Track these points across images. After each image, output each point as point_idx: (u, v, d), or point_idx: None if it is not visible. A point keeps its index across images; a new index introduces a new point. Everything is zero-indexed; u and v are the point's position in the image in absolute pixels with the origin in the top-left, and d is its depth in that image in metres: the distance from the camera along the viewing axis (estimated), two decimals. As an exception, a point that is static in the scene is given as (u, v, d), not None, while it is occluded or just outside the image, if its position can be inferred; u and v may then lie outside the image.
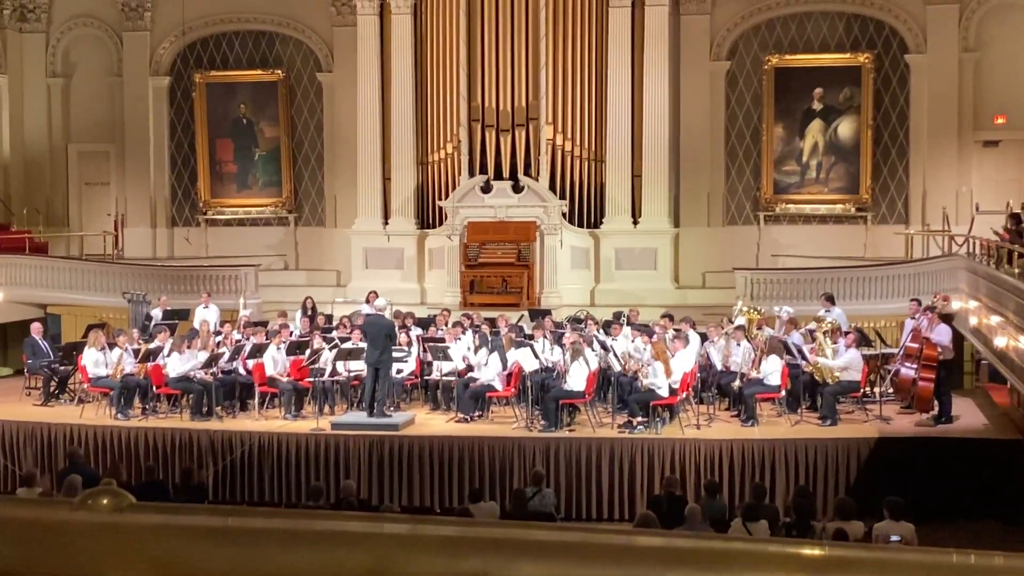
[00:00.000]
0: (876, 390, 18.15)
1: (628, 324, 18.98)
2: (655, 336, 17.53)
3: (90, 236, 27.21)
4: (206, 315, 21.06)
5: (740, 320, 19.39)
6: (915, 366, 17.05)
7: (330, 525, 2.01)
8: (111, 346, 18.39)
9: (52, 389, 19.37)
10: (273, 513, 2.02)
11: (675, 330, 18.28)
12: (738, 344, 17.72)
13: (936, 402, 16.98)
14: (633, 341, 17.87)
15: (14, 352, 23.34)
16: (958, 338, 18.29)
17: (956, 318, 18.56)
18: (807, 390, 17.66)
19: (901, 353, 17.65)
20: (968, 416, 17.56)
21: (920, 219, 24.18)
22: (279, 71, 27.00)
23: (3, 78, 27.70)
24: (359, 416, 17.31)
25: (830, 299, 19.37)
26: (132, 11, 27.40)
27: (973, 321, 18.12)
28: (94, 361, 18.08)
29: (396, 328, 17.96)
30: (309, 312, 21.00)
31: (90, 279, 23.87)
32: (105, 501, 1.90)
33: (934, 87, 24.11)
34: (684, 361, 16.84)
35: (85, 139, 28.20)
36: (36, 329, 20.32)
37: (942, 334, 17.02)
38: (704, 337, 18.39)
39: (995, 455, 15.96)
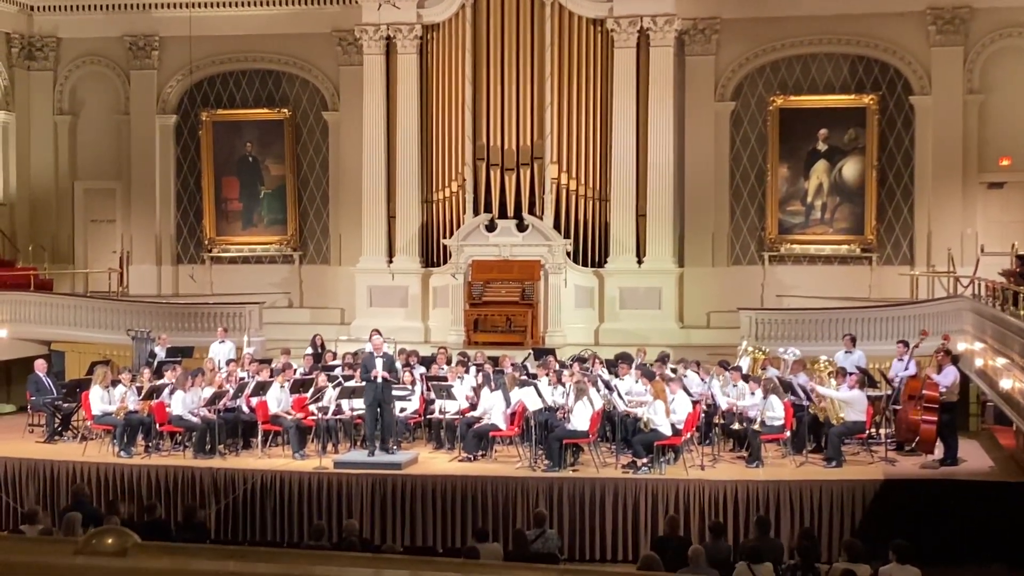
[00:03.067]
0: (881, 431, 18.09)
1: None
2: (655, 376, 17.48)
3: (95, 273, 27.27)
4: (222, 350, 21.06)
5: (744, 360, 19.39)
6: (917, 407, 17.02)
7: (331, 571, 2.00)
8: (115, 383, 18.39)
9: (56, 426, 19.34)
10: (274, 558, 2.00)
11: (671, 370, 18.29)
12: (735, 385, 17.72)
13: (942, 444, 16.92)
14: (637, 382, 17.85)
15: (18, 389, 23.31)
16: (964, 380, 18.24)
17: (962, 360, 18.52)
18: (812, 431, 17.61)
19: (898, 394, 17.69)
20: (973, 458, 17.49)
21: (925, 260, 24.17)
22: (285, 110, 27.14)
23: (11, 116, 27.84)
24: (362, 455, 17.27)
25: (852, 340, 19.39)
26: (140, 50, 27.57)
27: (979, 363, 18.10)
28: (99, 398, 18.08)
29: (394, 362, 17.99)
30: (319, 349, 21.02)
31: (94, 316, 23.89)
32: (110, 540, 1.88)
33: (939, 129, 24.17)
34: (684, 402, 16.79)
35: (91, 176, 28.30)
36: (40, 366, 20.33)
37: (948, 375, 16.99)
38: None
39: (1001, 498, 15.86)
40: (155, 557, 1.91)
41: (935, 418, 16.70)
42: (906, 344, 18.39)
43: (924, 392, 16.85)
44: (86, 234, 28.38)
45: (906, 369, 17.96)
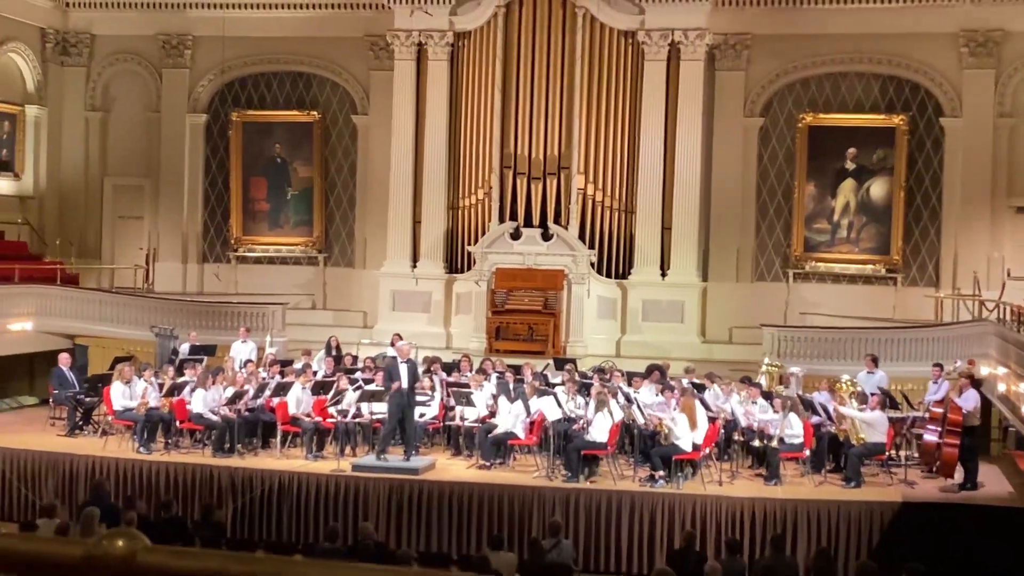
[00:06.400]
0: (902, 453, 17.98)
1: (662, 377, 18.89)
2: (675, 390, 17.43)
3: (121, 269, 27.43)
4: (243, 350, 21.12)
5: (763, 378, 19.33)
6: (939, 430, 16.92)
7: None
8: (137, 379, 18.48)
9: (77, 420, 19.43)
10: (289, 568, 2.01)
11: (693, 384, 18.24)
12: (753, 401, 17.67)
13: (962, 468, 16.81)
14: (658, 395, 17.81)
15: (41, 382, 23.44)
16: (985, 404, 18.12)
17: (984, 384, 18.41)
18: (832, 450, 17.52)
19: (926, 417, 17.55)
20: (993, 483, 17.36)
21: (951, 283, 24.04)
22: (315, 112, 27.25)
23: (43, 110, 28.06)
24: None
25: (874, 360, 19.24)
26: (173, 49, 27.75)
27: (1001, 388, 17.97)
28: (120, 393, 18.17)
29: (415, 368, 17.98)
30: (334, 352, 21.03)
31: (119, 312, 23.99)
32: (120, 543, 1.90)
33: (968, 151, 24.07)
34: (703, 417, 16.74)
35: (121, 173, 28.49)
36: (64, 360, 20.42)
37: (970, 400, 16.89)
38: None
39: (1019, 524, 15.73)
40: (165, 561, 1.92)
41: (957, 442, 16.60)
42: (941, 367, 18.18)
43: (948, 415, 16.74)
44: (114, 230, 28.56)
45: (936, 393, 17.76)
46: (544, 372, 19.86)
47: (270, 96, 27.69)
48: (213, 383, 18.18)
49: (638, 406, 17.29)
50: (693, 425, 16.36)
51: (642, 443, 17.29)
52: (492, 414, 18.02)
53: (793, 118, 25.11)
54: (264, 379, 18.86)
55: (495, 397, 18.22)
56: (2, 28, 26.53)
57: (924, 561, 12.47)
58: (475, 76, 25.09)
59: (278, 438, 18.07)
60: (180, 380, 18.55)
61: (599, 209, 24.39)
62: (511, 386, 18.19)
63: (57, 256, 26.76)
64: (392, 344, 20.60)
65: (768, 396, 17.85)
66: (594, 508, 16.03)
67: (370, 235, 26.76)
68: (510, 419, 17.39)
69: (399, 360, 17.13)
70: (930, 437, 17.12)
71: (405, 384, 16.79)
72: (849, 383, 17.88)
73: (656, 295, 24.09)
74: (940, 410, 17.02)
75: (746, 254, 25.40)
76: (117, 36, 28.13)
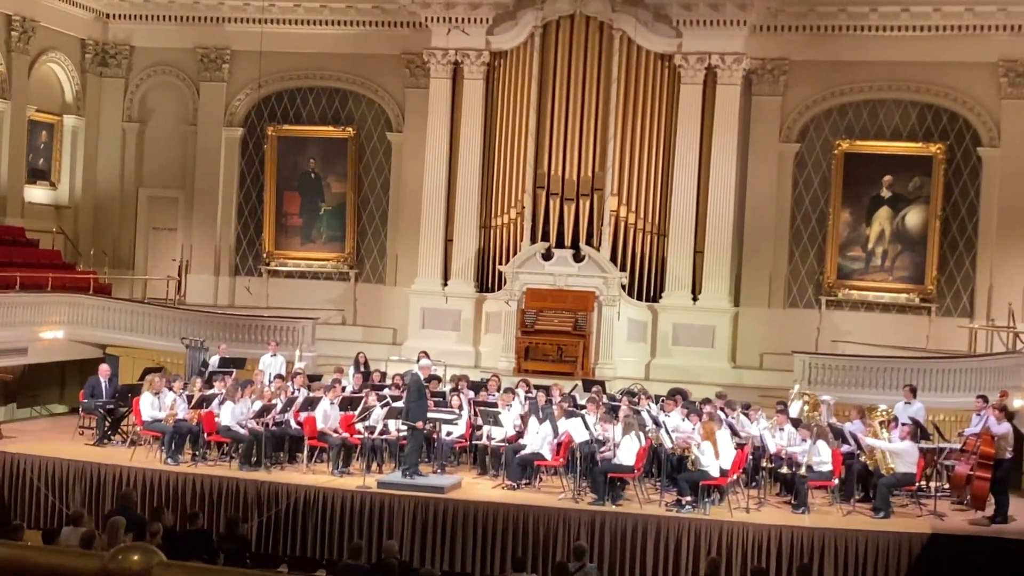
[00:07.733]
0: (932, 484, 17.79)
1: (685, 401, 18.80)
2: (703, 416, 17.33)
3: (154, 280, 27.56)
4: (273, 363, 21.16)
5: (795, 404, 19.19)
6: (971, 462, 16.75)
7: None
8: (166, 390, 18.53)
9: (106, 429, 19.50)
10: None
11: (721, 410, 18.12)
12: (781, 428, 17.52)
13: (993, 501, 16.62)
14: (684, 419, 17.72)
15: (71, 390, 23.57)
16: (1018, 437, 17.92)
17: (1017, 416, 18.20)
18: (861, 480, 17.36)
19: (959, 448, 17.37)
20: (1025, 517, 17.16)
21: (985, 314, 23.82)
22: (350, 128, 27.35)
23: (81, 120, 28.29)
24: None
25: (913, 391, 19.03)
26: (211, 62, 27.93)
27: (1035, 420, 17.77)
28: (149, 404, 18.23)
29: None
30: (362, 368, 21.05)
31: (150, 323, 24.08)
32: (136, 557, 1.87)
33: (1006, 181, 23.88)
34: (728, 444, 16.63)
35: (156, 184, 28.67)
36: (104, 371, 20.41)
37: (1001, 430, 16.70)
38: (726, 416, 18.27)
39: (1052, 559, 15.53)
40: (180, 577, 1.89)
41: (989, 474, 16.42)
42: (985, 399, 17.95)
43: (980, 448, 16.57)
44: (147, 241, 28.73)
45: (978, 425, 17.49)
46: (572, 393, 19.78)
47: (306, 112, 27.82)
48: (242, 396, 18.22)
49: (666, 430, 17.20)
50: (717, 452, 16.24)
51: (669, 467, 17.19)
52: (519, 434, 17.98)
53: (829, 144, 25.00)
54: (292, 392, 18.88)
55: (523, 417, 18.18)
56: (43, 39, 26.79)
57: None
58: (510, 96, 25.12)
59: (305, 453, 18.07)
60: (209, 392, 18.59)
61: (631, 231, 24.34)
62: (539, 407, 18.14)
63: (90, 266, 26.93)
64: (418, 361, 20.63)
65: (796, 424, 17.71)
66: (619, 532, 15.93)
67: (402, 252, 26.81)
68: (537, 440, 17.34)
69: (422, 378, 17.18)
70: (961, 469, 16.95)
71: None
72: (884, 412, 17.72)
73: (687, 319, 24.00)
74: (974, 441, 16.86)
75: (779, 280, 25.27)
76: (156, 48, 28.35)
